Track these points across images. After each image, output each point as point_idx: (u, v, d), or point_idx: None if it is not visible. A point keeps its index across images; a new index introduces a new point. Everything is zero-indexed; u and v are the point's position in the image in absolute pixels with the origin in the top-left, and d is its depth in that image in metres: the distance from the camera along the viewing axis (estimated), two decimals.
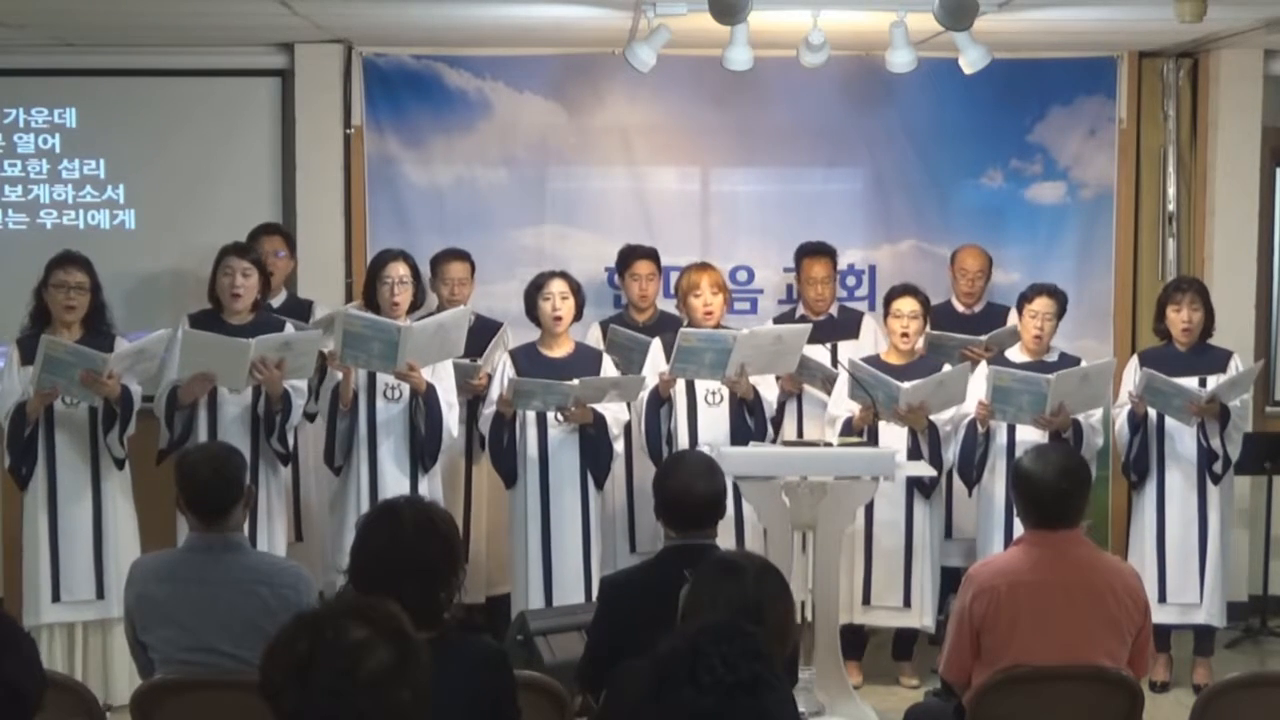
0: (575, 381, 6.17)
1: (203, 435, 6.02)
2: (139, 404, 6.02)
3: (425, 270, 6.70)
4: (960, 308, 7.04)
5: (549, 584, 6.29)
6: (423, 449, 6.17)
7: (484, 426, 6.40)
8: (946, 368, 6.43)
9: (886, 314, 6.51)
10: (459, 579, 3.32)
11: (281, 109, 7.32)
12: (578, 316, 6.46)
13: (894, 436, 6.32)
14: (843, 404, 6.42)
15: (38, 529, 5.94)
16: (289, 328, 6.22)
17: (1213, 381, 6.35)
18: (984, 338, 6.76)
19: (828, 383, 6.64)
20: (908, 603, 6.43)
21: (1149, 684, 6.15)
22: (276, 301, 6.75)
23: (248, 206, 7.23)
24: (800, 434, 6.71)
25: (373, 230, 7.30)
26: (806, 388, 6.78)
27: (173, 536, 5.48)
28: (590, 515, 6.35)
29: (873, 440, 6.31)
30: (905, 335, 6.39)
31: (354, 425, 6.18)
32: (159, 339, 5.98)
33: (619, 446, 6.46)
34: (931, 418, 6.27)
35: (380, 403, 6.20)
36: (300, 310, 6.69)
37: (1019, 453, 5.92)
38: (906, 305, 6.41)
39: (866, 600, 6.43)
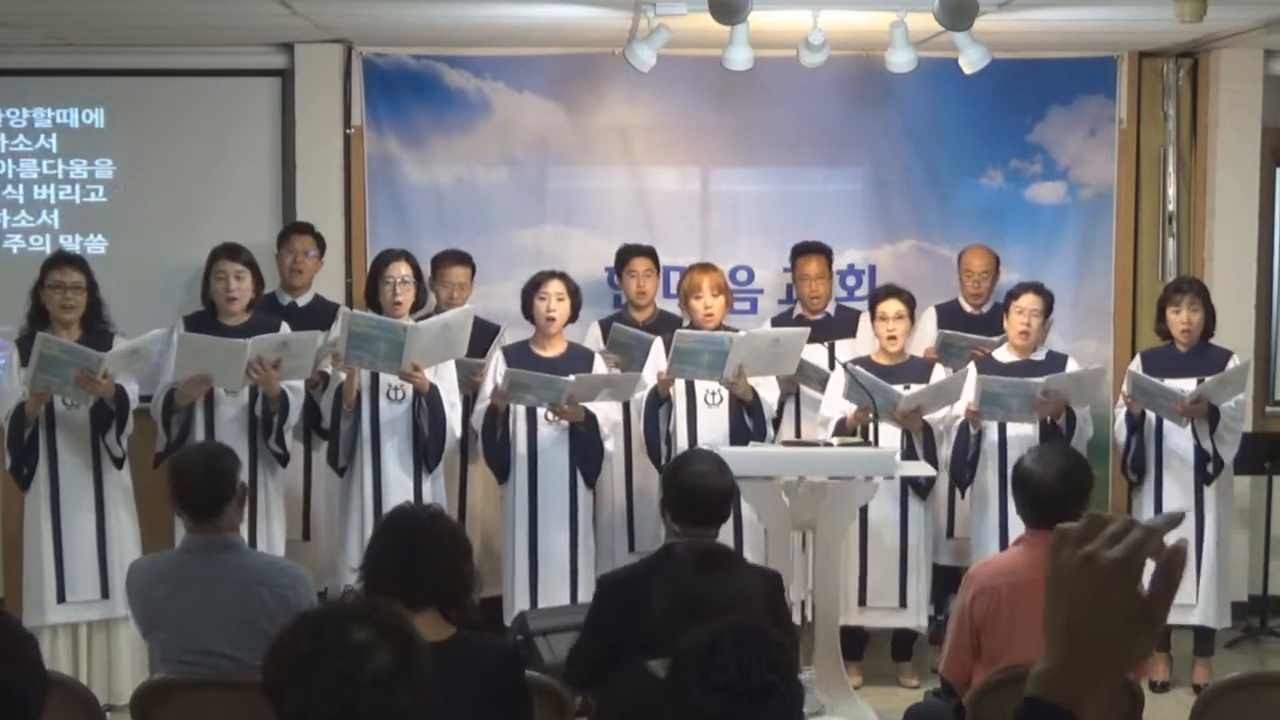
0: (571, 378, 6.18)
1: (200, 437, 6.01)
2: (135, 403, 6.02)
3: (426, 270, 6.69)
4: (968, 308, 7.03)
5: (534, 582, 6.29)
6: (426, 449, 6.17)
7: (476, 422, 6.40)
8: (939, 369, 6.44)
9: (873, 316, 6.52)
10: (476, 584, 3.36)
11: (281, 109, 7.31)
12: (573, 318, 6.46)
13: (888, 436, 6.33)
14: (835, 405, 6.42)
15: (40, 530, 5.94)
16: (284, 328, 6.20)
17: None
18: (996, 339, 6.76)
19: (824, 384, 6.64)
20: (904, 603, 6.43)
21: (1149, 684, 6.14)
22: (303, 301, 6.73)
23: (248, 206, 7.23)
24: (798, 434, 6.72)
25: (373, 230, 7.29)
26: (803, 388, 6.78)
27: (171, 538, 5.47)
28: (579, 515, 6.34)
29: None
30: (893, 338, 6.40)
31: (357, 426, 6.18)
32: (153, 338, 5.97)
33: (613, 446, 6.46)
34: (925, 418, 6.30)
35: (384, 403, 6.19)
36: (326, 312, 6.53)
37: (1011, 450, 5.94)
38: (891, 307, 6.42)
39: (862, 601, 6.44)
